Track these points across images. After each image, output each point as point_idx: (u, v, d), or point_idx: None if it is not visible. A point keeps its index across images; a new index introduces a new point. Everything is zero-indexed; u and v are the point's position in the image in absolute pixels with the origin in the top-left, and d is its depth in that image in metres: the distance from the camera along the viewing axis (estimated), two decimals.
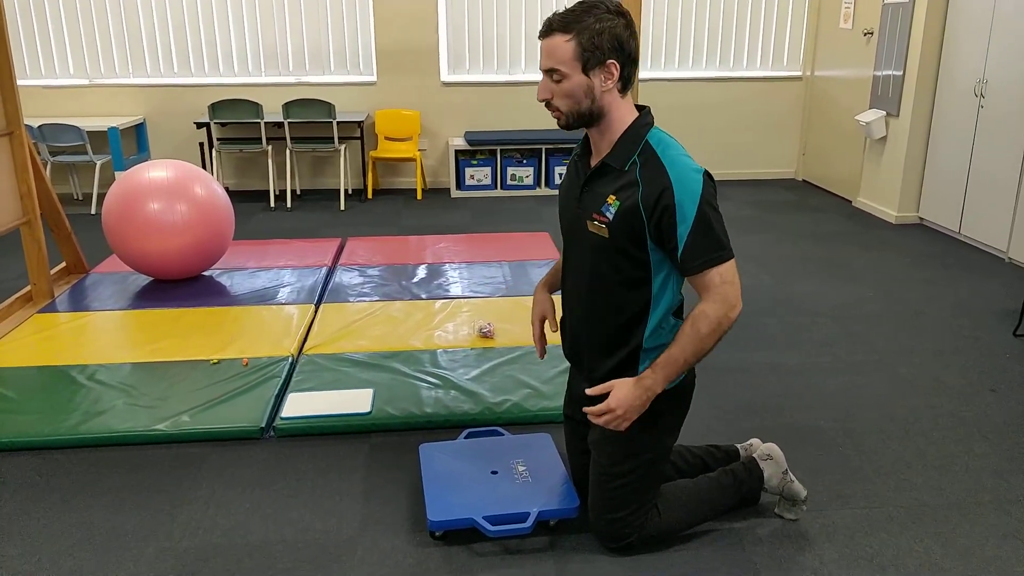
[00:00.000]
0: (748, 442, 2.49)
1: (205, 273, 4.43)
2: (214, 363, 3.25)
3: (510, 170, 6.73)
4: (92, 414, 2.86)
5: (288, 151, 6.40)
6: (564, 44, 1.81)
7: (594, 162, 2.00)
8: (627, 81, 1.88)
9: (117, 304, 3.98)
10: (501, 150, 6.69)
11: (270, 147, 6.26)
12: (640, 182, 1.88)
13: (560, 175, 6.77)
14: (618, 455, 2.10)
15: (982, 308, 4.06)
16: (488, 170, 6.72)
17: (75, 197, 6.56)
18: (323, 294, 4.14)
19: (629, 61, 1.85)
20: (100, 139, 6.19)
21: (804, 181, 7.22)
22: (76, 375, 3.17)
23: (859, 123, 5.92)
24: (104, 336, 3.60)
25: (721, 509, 2.30)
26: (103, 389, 3.05)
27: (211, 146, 6.37)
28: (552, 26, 1.83)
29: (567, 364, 2.35)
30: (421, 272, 4.49)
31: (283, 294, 4.12)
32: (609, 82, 1.85)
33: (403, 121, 6.79)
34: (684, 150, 1.92)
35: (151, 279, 4.32)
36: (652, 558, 2.17)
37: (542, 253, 4.86)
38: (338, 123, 6.23)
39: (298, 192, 6.81)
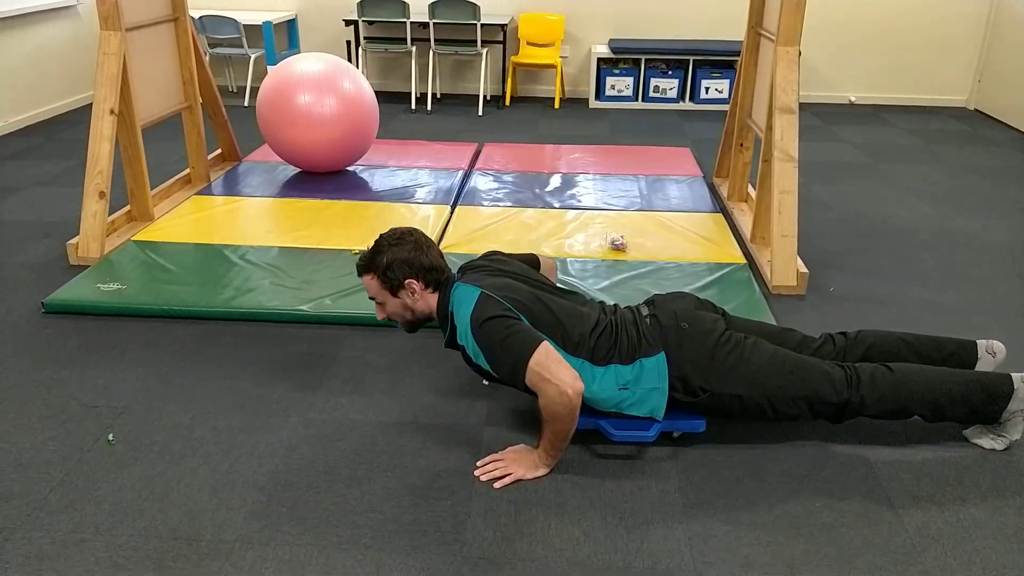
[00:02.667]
0: (989, 342, 2.37)
1: (348, 168, 4.55)
2: (355, 254, 3.36)
3: (653, 81, 6.49)
4: (243, 290, 3.04)
5: (431, 53, 6.40)
6: (371, 282, 2.25)
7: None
8: (434, 283, 2.24)
9: (267, 192, 4.16)
10: (645, 60, 6.45)
11: (414, 48, 6.27)
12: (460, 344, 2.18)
13: (707, 89, 6.48)
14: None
15: None
16: (630, 80, 6.50)
17: (230, 90, 6.84)
18: (459, 196, 4.18)
19: (425, 270, 2.22)
20: (255, 33, 6.39)
21: (977, 111, 6.61)
22: (229, 254, 3.35)
23: None
24: (254, 220, 3.79)
25: (950, 413, 2.19)
26: (253, 268, 3.22)
27: (357, 45, 6.45)
28: (359, 269, 2.26)
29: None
30: (555, 181, 4.45)
31: (421, 194, 4.19)
32: (416, 295, 2.23)
33: (546, 26, 6.63)
34: (470, 292, 2.14)
35: (299, 170, 4.48)
36: (783, 478, 2.12)
37: (682, 169, 4.70)
38: (482, 26, 6.16)
39: (438, 96, 6.84)
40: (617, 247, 3.50)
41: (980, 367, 2.34)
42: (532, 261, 2.50)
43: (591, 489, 2.09)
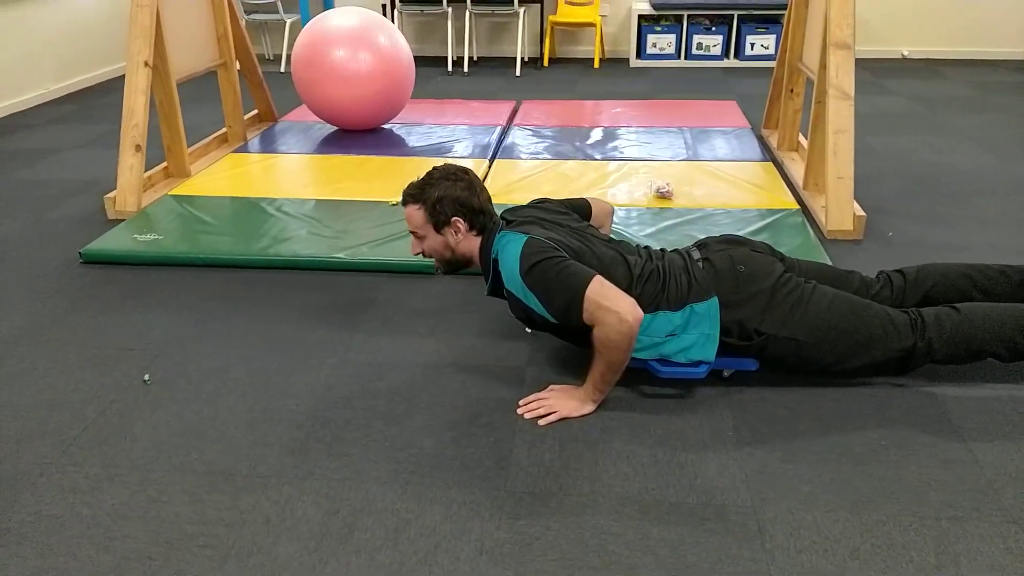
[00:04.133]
0: None
1: (384, 126, 4.47)
2: (393, 204, 3.28)
3: (696, 38, 6.30)
4: (279, 240, 2.98)
5: (468, 14, 6.28)
6: (416, 212, 2.14)
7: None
8: (480, 226, 2.14)
9: (303, 149, 4.11)
10: (688, 15, 6.25)
11: (450, 9, 6.16)
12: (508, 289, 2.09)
13: (752, 45, 6.26)
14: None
15: None
16: (672, 38, 6.32)
17: (267, 57, 6.80)
18: (497, 150, 4.07)
19: (473, 212, 2.12)
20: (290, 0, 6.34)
21: None
22: (265, 206, 3.30)
23: None
24: (291, 175, 3.73)
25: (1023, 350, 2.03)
26: (289, 219, 3.16)
27: (393, 7, 6.36)
28: (406, 198, 2.15)
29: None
30: (596, 135, 4.32)
31: (459, 148, 4.09)
32: (459, 235, 2.13)
33: None
34: (516, 238, 2.04)
35: (335, 128, 4.42)
36: (845, 418, 2.00)
37: (729, 121, 4.54)
38: None
39: (475, 58, 6.73)
40: (663, 195, 3.37)
41: None
42: (582, 206, 2.39)
43: (639, 426, 1.99)
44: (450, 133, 4.35)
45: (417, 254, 2.23)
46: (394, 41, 4.21)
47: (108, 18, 6.07)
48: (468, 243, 2.16)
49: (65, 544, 1.64)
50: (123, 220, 3.24)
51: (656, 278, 2.05)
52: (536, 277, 1.97)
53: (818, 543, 1.62)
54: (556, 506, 1.73)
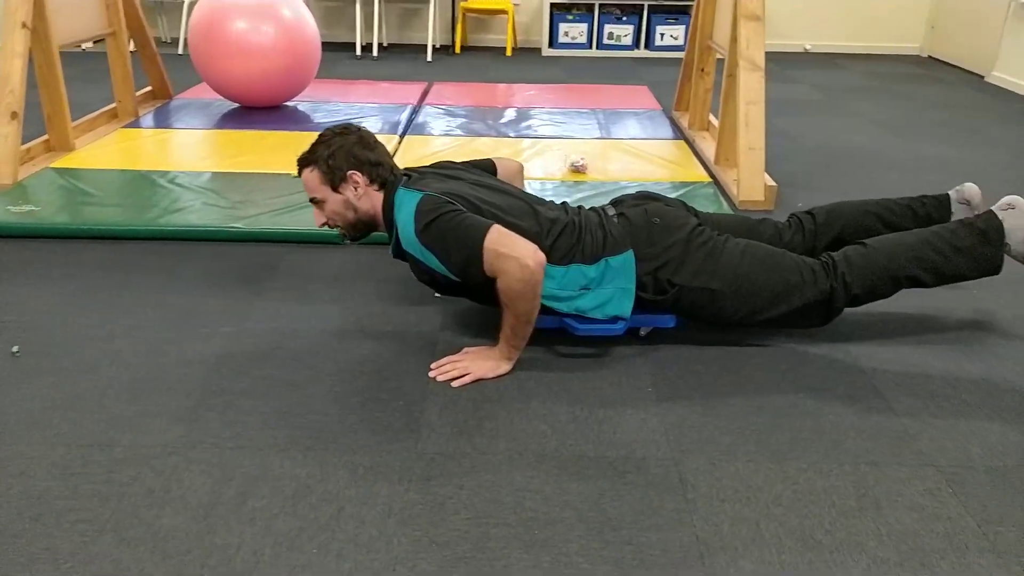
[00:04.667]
0: (959, 186, 2.24)
1: (288, 103, 4.28)
2: (296, 176, 3.11)
3: (607, 28, 6.31)
4: (171, 211, 2.78)
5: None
6: (311, 175, 2.04)
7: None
8: (380, 180, 2.03)
9: (200, 125, 3.88)
10: (600, 5, 6.26)
11: None
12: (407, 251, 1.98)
13: (663, 35, 6.32)
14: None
15: None
16: (584, 27, 6.32)
17: (163, 39, 6.47)
18: (407, 128, 3.95)
19: (370, 164, 2.01)
20: None
21: (930, 58, 6.57)
22: (157, 179, 3.08)
23: None
24: (186, 149, 3.51)
25: (945, 266, 2.02)
26: (182, 191, 2.96)
27: None
28: (299, 165, 2.06)
29: None
30: (510, 114, 4.24)
31: (367, 125, 3.94)
32: (360, 189, 2.02)
33: None
34: (412, 195, 1.94)
35: (236, 105, 4.20)
36: (762, 373, 1.96)
37: (640, 103, 4.54)
38: None
39: (384, 45, 6.57)
40: (577, 168, 3.32)
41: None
42: (487, 166, 2.30)
43: (557, 385, 1.90)
44: (358, 111, 4.20)
45: (322, 225, 2.10)
46: (299, 14, 4.03)
47: None
48: (370, 199, 2.04)
49: None
50: None
51: (571, 231, 1.97)
52: (432, 235, 1.86)
53: (740, 492, 1.57)
54: (470, 466, 1.62)
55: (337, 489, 1.55)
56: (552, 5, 6.32)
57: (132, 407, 1.78)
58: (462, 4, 6.30)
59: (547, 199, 2.16)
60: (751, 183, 3.04)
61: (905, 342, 2.13)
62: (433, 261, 1.90)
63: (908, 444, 1.73)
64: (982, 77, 5.77)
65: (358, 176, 2.01)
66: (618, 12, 6.31)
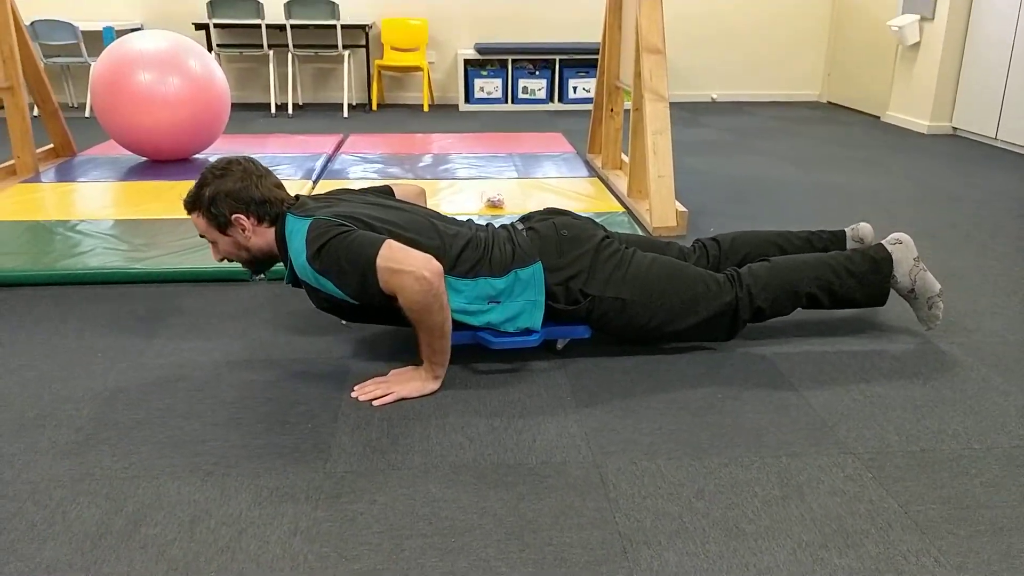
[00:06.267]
0: (854, 225, 2.33)
1: (199, 155, 4.20)
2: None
3: (522, 82, 6.45)
4: (68, 255, 2.65)
5: (290, 56, 6.12)
6: (198, 220, 1.97)
7: None
8: (271, 216, 1.95)
9: (105, 178, 3.76)
10: (512, 60, 6.41)
11: (271, 52, 5.99)
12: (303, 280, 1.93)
13: (575, 88, 6.49)
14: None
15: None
16: (499, 82, 6.44)
17: (70, 104, 6.31)
18: (322, 173, 3.91)
19: (255, 203, 1.93)
20: (95, 41, 5.94)
21: (829, 103, 6.92)
22: (55, 227, 2.94)
23: (891, 29, 5.61)
24: (89, 200, 3.38)
25: (840, 288, 2.10)
26: (82, 237, 2.83)
27: (210, 50, 6.11)
28: (186, 207, 1.98)
29: None
30: (427, 160, 4.25)
31: (282, 172, 3.89)
32: (247, 232, 1.95)
33: (410, 30, 6.50)
34: (300, 223, 1.88)
35: (144, 160, 4.09)
36: (680, 378, 1.95)
37: (556, 148, 4.61)
38: (343, 27, 5.96)
39: (300, 104, 6.56)
40: (494, 204, 3.32)
41: None
42: (385, 190, 2.24)
43: (475, 400, 1.85)
44: (271, 160, 4.13)
45: (220, 260, 2.02)
46: (206, 66, 3.98)
47: None
48: (261, 237, 1.96)
49: None
50: None
51: (476, 245, 1.95)
52: (324, 259, 1.79)
53: (662, 488, 1.53)
54: (383, 481, 1.54)
55: (239, 512, 1.45)
56: (466, 62, 6.44)
57: (16, 444, 1.65)
58: (377, 62, 6.37)
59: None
60: (662, 210, 3.09)
61: (818, 343, 2.16)
62: (329, 286, 1.83)
63: (826, 435, 1.72)
64: (878, 117, 6.09)
65: (243, 220, 1.92)
66: (531, 67, 6.46)
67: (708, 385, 1.93)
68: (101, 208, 3.23)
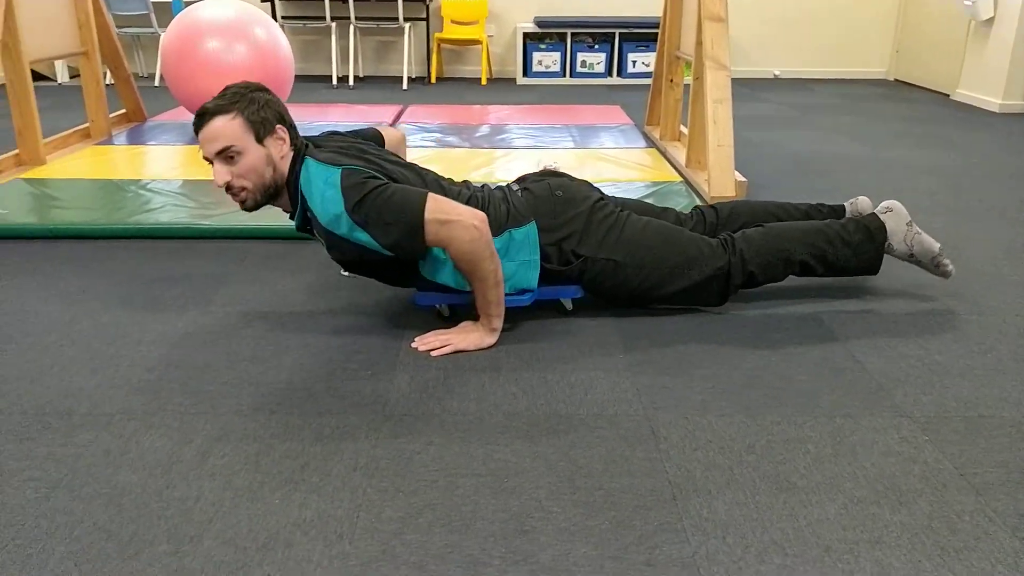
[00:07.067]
0: (853, 199, 2.31)
1: None
2: None
3: (580, 56, 6.42)
4: (139, 212, 2.75)
5: (352, 31, 6.20)
6: (230, 122, 1.78)
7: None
8: (295, 146, 1.87)
9: (174, 141, 3.88)
10: (572, 34, 6.38)
11: (334, 24, 6.07)
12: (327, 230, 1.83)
13: (634, 62, 6.44)
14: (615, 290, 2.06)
15: None
16: (557, 56, 6.42)
17: (140, 74, 6.51)
18: None
19: (291, 127, 1.86)
20: (164, 12, 6.10)
21: (896, 80, 6.73)
22: (126, 186, 3.06)
23: (964, 3, 5.42)
24: (158, 162, 3.50)
25: (834, 256, 2.09)
26: (152, 195, 2.94)
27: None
28: (208, 113, 1.78)
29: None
30: (484, 130, 4.28)
31: None
32: (284, 147, 1.84)
33: (470, 4, 6.52)
34: (326, 171, 1.80)
35: None
36: (731, 340, 1.95)
37: (613, 119, 4.59)
38: (404, 0, 6.00)
39: (360, 76, 6.64)
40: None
41: None
42: (375, 136, 2.18)
43: (527, 354, 1.88)
44: (332, 127, 4.20)
45: (224, 184, 1.83)
46: (272, 34, 4.06)
47: None
48: (285, 163, 1.85)
49: None
50: None
51: (473, 205, 1.96)
52: (365, 212, 1.75)
53: (713, 442, 1.54)
54: (438, 425, 1.59)
55: (301, 447, 1.51)
56: (525, 35, 6.43)
57: (92, 380, 1.74)
58: (437, 35, 6.40)
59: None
60: (721, 179, 3.06)
61: (873, 303, 2.13)
62: (363, 237, 1.78)
63: (882, 399, 1.71)
64: (947, 95, 5.91)
65: (283, 132, 1.83)
66: (590, 41, 6.43)
67: (761, 347, 1.92)
68: (170, 169, 3.34)
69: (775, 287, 2.24)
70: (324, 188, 1.78)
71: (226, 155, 1.79)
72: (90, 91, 3.92)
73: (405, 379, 1.76)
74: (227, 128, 1.77)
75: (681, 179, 3.29)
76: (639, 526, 1.31)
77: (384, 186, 1.80)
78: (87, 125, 3.96)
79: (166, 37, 3.97)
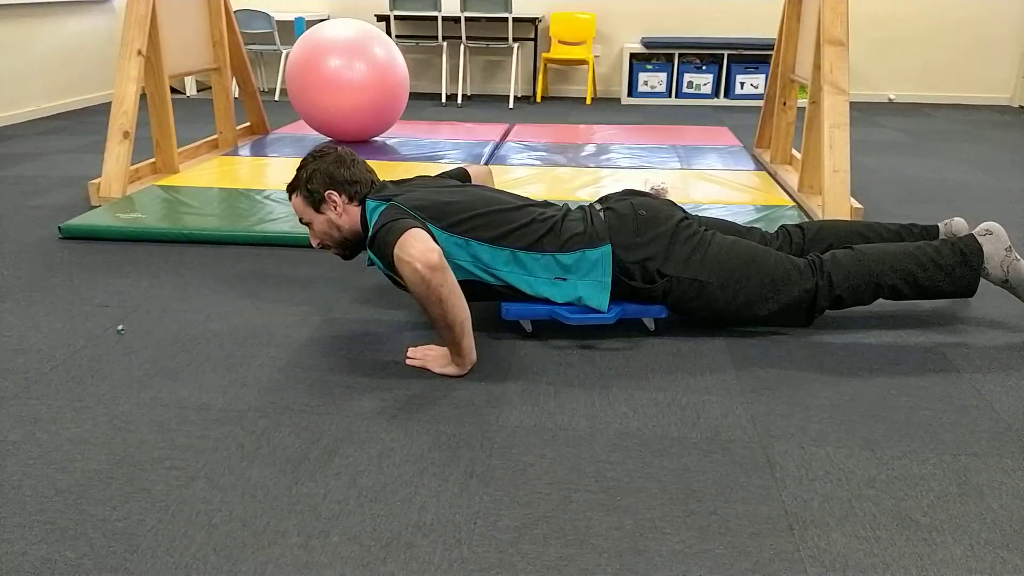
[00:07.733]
0: (948, 219, 2.25)
1: (377, 139, 4.46)
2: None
3: (687, 76, 6.39)
4: (265, 220, 2.91)
5: (462, 50, 6.36)
6: (295, 200, 2.11)
7: None
8: (360, 197, 2.08)
9: (294, 154, 4.07)
10: (679, 54, 6.36)
11: (445, 44, 6.24)
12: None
13: (742, 84, 6.36)
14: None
15: None
16: (663, 76, 6.41)
17: (262, 89, 6.84)
18: (490, 160, 4.05)
19: (347, 183, 2.06)
20: (287, 31, 6.41)
21: (1022, 107, 6.41)
22: (252, 195, 3.24)
23: None
24: (280, 173, 3.68)
25: (926, 280, 2.03)
26: (275, 205, 3.10)
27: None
28: (288, 190, 2.13)
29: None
30: (589, 149, 4.31)
31: (450, 156, 4.07)
32: (338, 208, 2.07)
33: (578, 24, 6.59)
34: (378, 205, 2.01)
35: (328, 139, 4.40)
36: (848, 370, 1.91)
37: (721, 141, 4.55)
38: (514, 20, 6.12)
39: (468, 95, 6.79)
40: (658, 191, 3.33)
41: None
42: (461, 175, 2.36)
43: (637, 374, 1.89)
44: (442, 146, 4.33)
45: (317, 245, 2.14)
46: (389, 52, 4.22)
47: (101, 42, 6.11)
48: (350, 217, 2.08)
49: (19, 464, 1.51)
50: None
51: (544, 221, 2.01)
52: (377, 244, 1.89)
53: (831, 473, 1.52)
54: (550, 439, 1.62)
55: (421, 452, 1.56)
56: (632, 55, 6.44)
57: (226, 378, 1.85)
58: (544, 55, 6.49)
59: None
60: (836, 205, 2.99)
61: (999, 344, 2.05)
62: (380, 265, 1.95)
63: (1011, 440, 1.64)
64: None
65: (335, 195, 2.05)
66: (698, 61, 6.39)
67: (881, 378, 1.88)
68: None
69: (893, 314, 2.19)
70: (372, 220, 1.99)
71: (304, 223, 2.13)
72: (220, 104, 4.16)
73: (517, 392, 1.80)
74: (296, 205, 2.11)
75: (793, 203, 3.23)
76: (755, 553, 1.30)
77: (393, 220, 1.88)
78: (216, 136, 4.20)
79: (293, 52, 4.17)
